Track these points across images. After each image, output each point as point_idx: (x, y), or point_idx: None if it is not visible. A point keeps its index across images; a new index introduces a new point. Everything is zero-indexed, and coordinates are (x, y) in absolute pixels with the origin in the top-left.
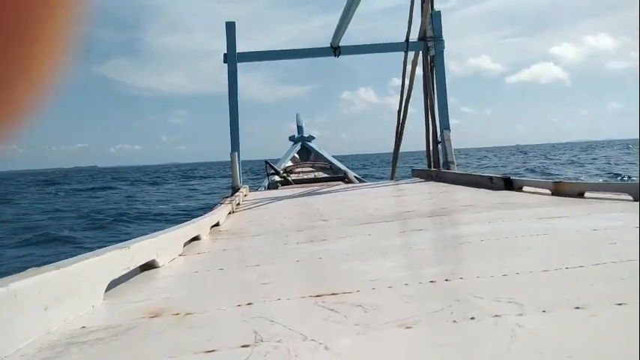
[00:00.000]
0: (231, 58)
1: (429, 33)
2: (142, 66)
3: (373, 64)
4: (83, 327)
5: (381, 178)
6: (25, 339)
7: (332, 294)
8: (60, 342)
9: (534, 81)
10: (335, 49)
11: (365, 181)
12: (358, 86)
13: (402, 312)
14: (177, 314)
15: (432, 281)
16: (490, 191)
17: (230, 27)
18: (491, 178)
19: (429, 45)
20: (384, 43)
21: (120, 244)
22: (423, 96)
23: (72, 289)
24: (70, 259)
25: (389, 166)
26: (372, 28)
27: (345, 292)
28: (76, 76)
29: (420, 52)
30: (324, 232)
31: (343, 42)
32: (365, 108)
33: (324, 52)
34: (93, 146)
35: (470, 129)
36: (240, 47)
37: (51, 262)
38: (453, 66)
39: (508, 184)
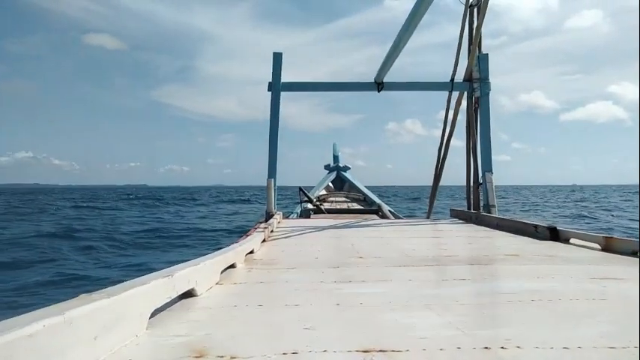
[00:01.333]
0: (276, 87)
1: (475, 75)
2: (194, 91)
3: (420, 96)
4: None
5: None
6: None
7: (380, 351)
8: None
9: (591, 120)
10: (378, 85)
11: (400, 217)
12: (405, 117)
13: None
14: (222, 357)
15: (486, 347)
16: (534, 240)
17: (277, 57)
18: (535, 226)
19: (474, 86)
20: (427, 82)
21: (163, 272)
22: (465, 135)
23: (119, 318)
24: (119, 286)
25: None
26: (419, 62)
27: (394, 350)
28: (133, 100)
29: (465, 92)
30: (361, 271)
31: (387, 77)
32: (411, 139)
33: (367, 87)
34: (144, 165)
35: (522, 166)
36: (288, 77)
37: None
38: (504, 101)
39: (554, 235)
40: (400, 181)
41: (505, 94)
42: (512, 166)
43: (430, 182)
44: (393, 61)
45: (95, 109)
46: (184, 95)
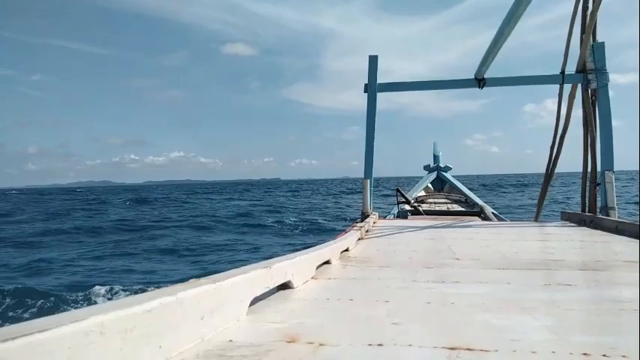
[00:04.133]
0: (372, 88)
1: (589, 65)
2: (320, 87)
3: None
4: (230, 340)
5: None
6: (185, 344)
7: (467, 349)
8: (212, 352)
9: None
10: (479, 81)
11: (505, 220)
12: (544, 98)
13: None
14: (312, 343)
15: (585, 354)
16: None
17: (372, 60)
18: None
19: (589, 77)
20: (534, 76)
21: (262, 264)
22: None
23: (223, 302)
24: (223, 273)
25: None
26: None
27: (482, 350)
28: (266, 100)
29: (579, 84)
30: (456, 272)
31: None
32: (554, 121)
33: (468, 84)
34: (277, 160)
35: None
36: (412, 66)
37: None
38: None
39: None
40: (544, 168)
41: None
42: None
43: (571, 168)
44: (495, 56)
45: (233, 111)
46: (311, 92)
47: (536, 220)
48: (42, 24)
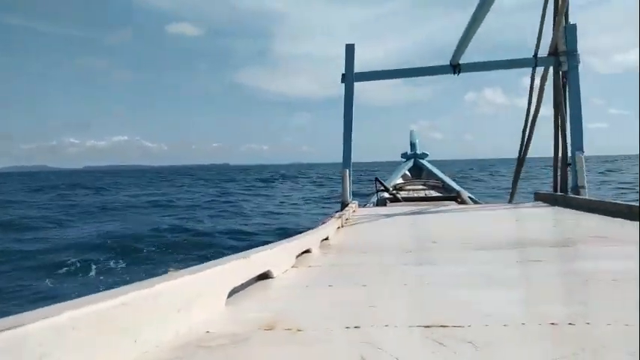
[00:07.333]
0: (349, 78)
1: (561, 47)
2: (270, 72)
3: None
4: (207, 332)
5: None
6: (161, 337)
7: (441, 326)
8: (189, 344)
9: None
10: (455, 67)
11: (480, 203)
12: (483, 87)
13: (517, 355)
14: (290, 329)
15: (553, 323)
16: (628, 222)
17: (349, 49)
18: (630, 206)
19: (560, 60)
20: (508, 60)
21: (240, 254)
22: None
23: (200, 294)
24: (201, 265)
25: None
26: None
27: (455, 326)
28: (214, 84)
29: (551, 67)
30: (434, 255)
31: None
32: (491, 109)
33: (443, 70)
34: (226, 145)
35: (622, 133)
36: (369, 50)
37: None
38: (594, 63)
39: None
40: (481, 153)
41: (595, 56)
42: (610, 133)
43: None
44: (469, 41)
45: (180, 94)
46: (261, 76)
47: (510, 201)
48: None
